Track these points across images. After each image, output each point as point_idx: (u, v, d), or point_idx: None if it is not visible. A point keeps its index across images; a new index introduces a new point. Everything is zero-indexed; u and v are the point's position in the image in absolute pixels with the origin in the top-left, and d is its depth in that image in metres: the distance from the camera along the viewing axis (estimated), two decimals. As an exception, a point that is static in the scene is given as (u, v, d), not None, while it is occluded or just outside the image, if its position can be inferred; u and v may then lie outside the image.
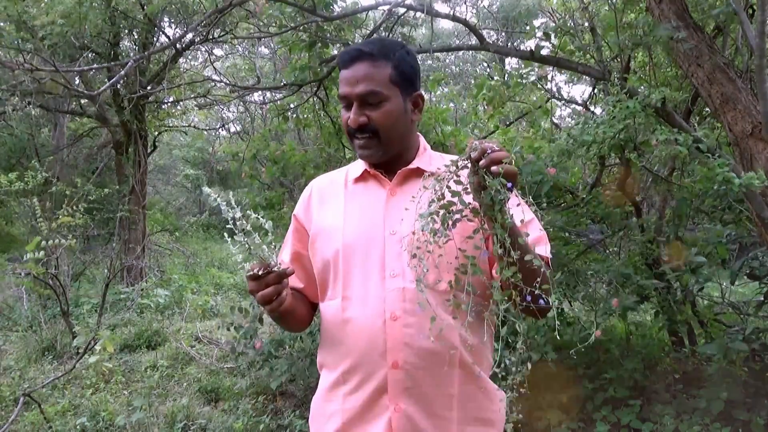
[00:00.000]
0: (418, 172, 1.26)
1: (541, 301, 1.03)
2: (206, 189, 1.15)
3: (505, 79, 3.70)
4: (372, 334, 1.15)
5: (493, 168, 0.95)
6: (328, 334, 1.25)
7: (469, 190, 1.01)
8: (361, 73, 1.22)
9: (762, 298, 3.31)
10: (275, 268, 1.06)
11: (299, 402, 3.87)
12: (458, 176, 1.01)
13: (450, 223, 1.01)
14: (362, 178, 1.31)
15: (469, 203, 1.01)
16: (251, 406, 3.84)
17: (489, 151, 0.96)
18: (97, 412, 3.69)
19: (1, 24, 5.90)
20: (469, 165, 0.99)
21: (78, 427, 3.53)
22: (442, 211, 1.00)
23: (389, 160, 1.28)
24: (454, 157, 1.05)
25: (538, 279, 1.01)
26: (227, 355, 4.96)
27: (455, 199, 1.00)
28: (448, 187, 1.01)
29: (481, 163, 0.96)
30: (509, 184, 0.96)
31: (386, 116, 1.22)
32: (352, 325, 1.18)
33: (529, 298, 1.02)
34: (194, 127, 12.44)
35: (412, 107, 1.28)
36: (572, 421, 3.20)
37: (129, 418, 3.57)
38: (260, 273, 1.06)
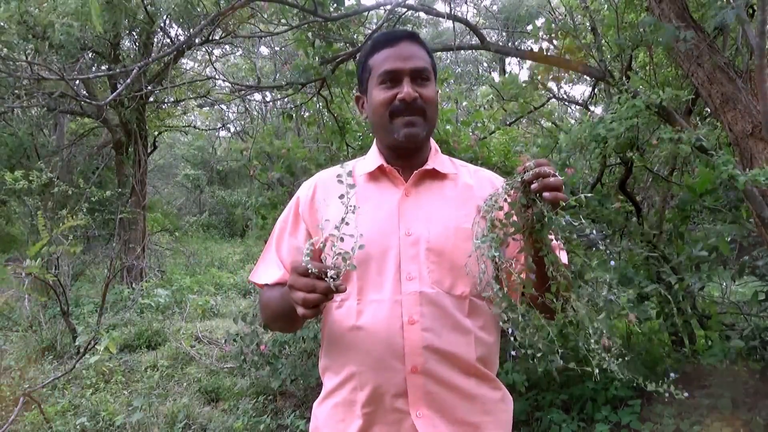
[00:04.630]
0: (434, 174, 1.25)
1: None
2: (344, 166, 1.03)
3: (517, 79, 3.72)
4: (389, 339, 1.12)
5: (546, 195, 0.96)
6: (338, 338, 1.19)
7: (513, 209, 1.03)
8: (411, 51, 1.22)
9: (764, 297, 3.31)
10: (331, 279, 0.97)
11: (299, 402, 3.87)
12: (509, 196, 1.03)
13: (504, 246, 1.02)
14: (374, 175, 1.26)
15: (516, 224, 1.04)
16: (251, 406, 3.84)
17: (548, 175, 0.98)
18: (97, 412, 3.69)
19: (2, 23, 5.89)
20: (519, 186, 1.01)
21: (78, 427, 3.53)
22: (494, 235, 1.02)
23: (411, 155, 1.25)
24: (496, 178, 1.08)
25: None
26: (227, 355, 4.96)
27: (508, 221, 1.02)
28: (501, 208, 1.03)
29: (533, 186, 0.98)
30: (569, 221, 0.98)
31: (432, 95, 1.22)
32: (367, 329, 1.14)
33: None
34: (194, 127, 12.45)
35: None
36: (572, 421, 3.20)
37: (129, 418, 3.57)
38: (315, 272, 0.97)
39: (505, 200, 1.02)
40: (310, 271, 0.97)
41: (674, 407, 3.16)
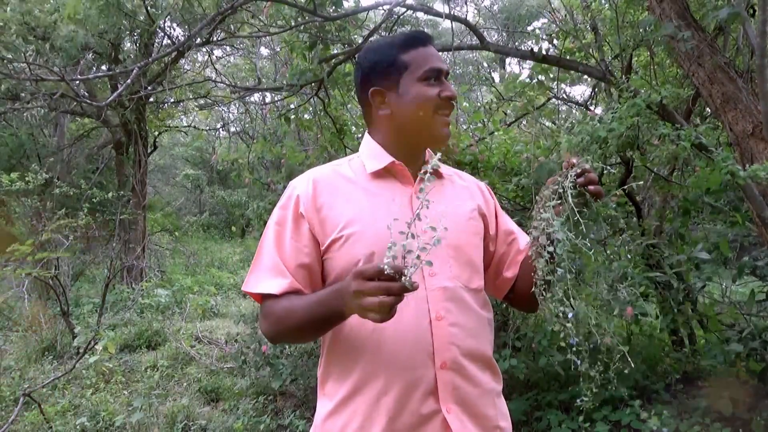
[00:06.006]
0: (435, 174, 1.25)
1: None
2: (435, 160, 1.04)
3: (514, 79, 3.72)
4: (418, 336, 1.11)
5: (591, 188, 1.07)
6: (355, 343, 1.14)
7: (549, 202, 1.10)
8: (438, 54, 1.25)
9: (764, 297, 3.31)
10: (407, 279, 0.93)
11: (299, 402, 3.87)
12: (563, 189, 1.10)
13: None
14: (379, 173, 1.24)
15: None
16: (251, 406, 3.84)
17: (590, 170, 1.08)
18: (97, 412, 3.68)
19: (2, 24, 5.90)
20: (567, 180, 1.09)
21: (78, 427, 3.53)
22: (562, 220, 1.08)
23: (412, 154, 1.25)
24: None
25: None
26: (227, 355, 4.96)
27: (567, 209, 1.09)
28: (560, 198, 1.10)
29: (579, 180, 1.07)
30: (612, 204, 1.11)
31: None
32: (393, 328, 1.10)
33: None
34: (194, 127, 12.45)
35: None
36: (572, 421, 3.19)
37: (129, 418, 3.57)
38: (391, 274, 0.93)
39: (560, 193, 1.10)
40: (386, 272, 0.93)
41: (674, 407, 3.16)
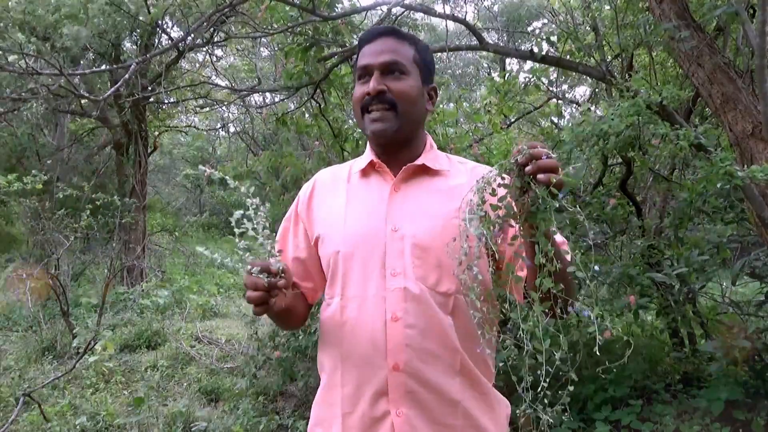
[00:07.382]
0: (424, 170, 1.23)
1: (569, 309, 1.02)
2: (202, 168, 1.19)
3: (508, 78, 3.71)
4: (372, 335, 1.11)
5: (540, 176, 0.92)
6: (326, 335, 1.21)
7: (510, 194, 0.98)
8: (387, 46, 1.22)
9: (763, 298, 3.31)
10: (265, 275, 1.06)
11: (299, 402, 3.87)
12: (503, 179, 0.98)
13: (494, 228, 0.98)
14: (366, 171, 1.26)
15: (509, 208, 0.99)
16: (251, 406, 3.84)
17: (541, 157, 0.94)
18: (97, 412, 3.68)
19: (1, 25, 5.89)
20: (515, 168, 0.96)
21: (78, 427, 3.53)
22: (483, 213, 0.97)
23: (397, 150, 1.23)
24: (483, 170, 1.09)
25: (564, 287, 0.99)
26: (227, 355, 4.96)
27: (502, 204, 0.97)
28: (493, 189, 0.98)
29: (527, 169, 0.94)
30: (561, 195, 0.93)
31: (407, 89, 1.20)
32: (350, 325, 1.14)
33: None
34: (194, 127, 12.45)
35: (428, 97, 1.27)
36: (572, 421, 3.19)
37: (129, 418, 3.57)
38: (253, 272, 1.05)
39: (499, 183, 0.98)
40: (247, 271, 1.06)
41: (674, 407, 3.16)
